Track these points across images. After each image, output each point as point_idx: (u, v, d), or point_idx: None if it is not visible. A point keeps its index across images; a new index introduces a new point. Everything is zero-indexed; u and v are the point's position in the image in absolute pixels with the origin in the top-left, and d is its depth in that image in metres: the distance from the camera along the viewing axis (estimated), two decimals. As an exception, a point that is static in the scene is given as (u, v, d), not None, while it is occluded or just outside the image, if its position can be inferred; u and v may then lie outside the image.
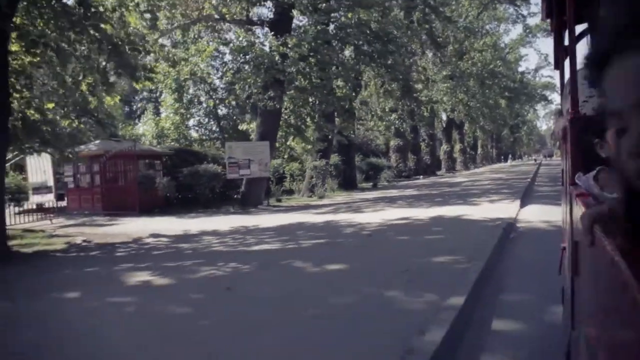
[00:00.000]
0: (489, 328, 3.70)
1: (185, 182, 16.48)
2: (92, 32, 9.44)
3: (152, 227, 11.86)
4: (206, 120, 26.92)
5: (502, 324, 3.75)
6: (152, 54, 12.26)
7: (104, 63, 10.35)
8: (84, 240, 10.33)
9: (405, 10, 25.17)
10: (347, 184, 22.47)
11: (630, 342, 0.52)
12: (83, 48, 10.10)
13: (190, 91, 23.31)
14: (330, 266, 5.80)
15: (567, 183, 2.21)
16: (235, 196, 17.48)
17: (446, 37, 33.64)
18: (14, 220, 12.89)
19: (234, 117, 26.90)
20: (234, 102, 23.01)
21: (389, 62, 18.97)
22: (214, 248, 8.07)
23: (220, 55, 20.32)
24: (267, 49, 15.81)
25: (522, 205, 11.65)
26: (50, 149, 10.43)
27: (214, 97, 21.73)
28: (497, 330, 3.64)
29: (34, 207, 14.74)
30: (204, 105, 25.32)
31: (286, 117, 16.96)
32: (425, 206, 12.50)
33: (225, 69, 17.06)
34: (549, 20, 2.91)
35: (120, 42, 9.90)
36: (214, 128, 27.48)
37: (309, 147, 18.39)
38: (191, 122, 26.92)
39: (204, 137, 27.24)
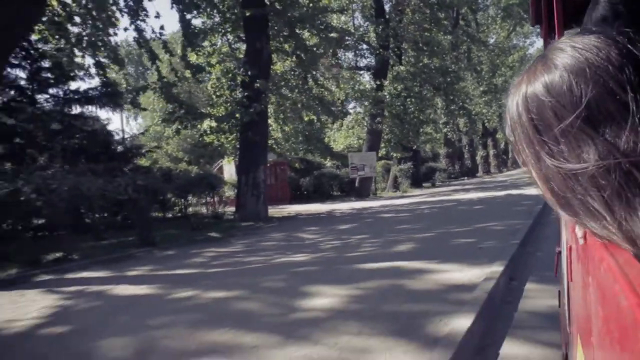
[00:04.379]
0: (550, 218, 11.93)
1: (315, 181, 24.80)
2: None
3: (320, 208, 20.03)
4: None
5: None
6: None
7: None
8: (297, 213, 18.62)
9: (453, 44, 33.42)
10: (415, 182, 30.64)
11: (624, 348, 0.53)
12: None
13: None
14: (475, 207, 14.04)
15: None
16: (332, 192, 25.92)
17: (480, 57, 41.79)
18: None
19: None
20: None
21: (445, 87, 27.27)
22: (399, 209, 16.25)
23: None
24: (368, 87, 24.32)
25: (555, 189, 19.70)
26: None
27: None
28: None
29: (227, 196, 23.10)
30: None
31: (384, 134, 25.31)
32: (493, 191, 20.67)
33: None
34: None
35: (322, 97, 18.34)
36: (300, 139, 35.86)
37: (397, 155, 26.76)
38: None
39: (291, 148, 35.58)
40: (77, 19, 13.04)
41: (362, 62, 28.31)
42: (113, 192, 11.59)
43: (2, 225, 11.21)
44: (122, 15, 13.69)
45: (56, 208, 10.18)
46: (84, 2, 12.21)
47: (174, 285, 6.50)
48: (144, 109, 17.91)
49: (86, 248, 11.09)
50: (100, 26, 12.51)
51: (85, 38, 13.44)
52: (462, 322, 3.74)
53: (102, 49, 12.81)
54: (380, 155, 29.13)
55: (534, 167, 0.62)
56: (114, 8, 13.04)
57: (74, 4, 12.28)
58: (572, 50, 0.56)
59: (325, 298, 4.96)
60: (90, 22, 13.13)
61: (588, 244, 0.89)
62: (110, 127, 19.57)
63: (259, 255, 8.93)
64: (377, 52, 24.28)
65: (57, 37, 12.31)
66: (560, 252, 2.14)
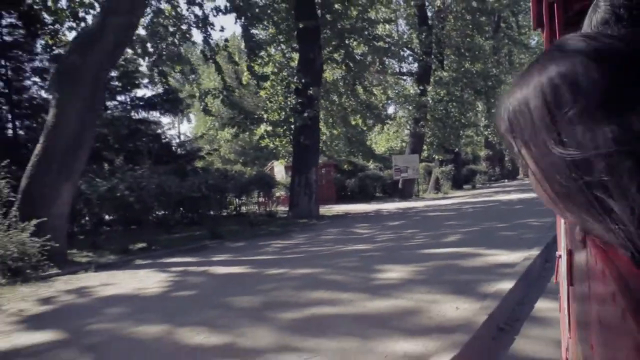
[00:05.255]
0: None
1: (360, 183, 26.16)
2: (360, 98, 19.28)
3: (366, 207, 21.34)
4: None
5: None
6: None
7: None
8: (345, 212, 19.98)
9: (494, 48, 34.26)
10: (456, 184, 31.64)
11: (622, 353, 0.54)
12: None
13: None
14: (515, 207, 15.13)
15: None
16: (375, 193, 27.17)
17: (522, 59, 42.33)
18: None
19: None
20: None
21: (486, 90, 28.25)
22: (443, 209, 17.44)
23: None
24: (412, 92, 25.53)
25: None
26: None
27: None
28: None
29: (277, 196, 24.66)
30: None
31: (427, 137, 26.47)
32: (533, 193, 21.34)
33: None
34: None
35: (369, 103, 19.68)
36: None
37: (440, 157, 27.90)
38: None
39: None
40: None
41: (405, 68, 29.55)
42: (188, 190, 13.20)
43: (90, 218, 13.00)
44: (191, 29, 15.37)
45: (145, 203, 11.83)
46: (163, 20, 13.87)
47: (262, 266, 7.95)
48: (214, 115, 19.55)
49: (162, 240, 12.70)
50: (176, 41, 14.15)
51: (154, 51, 15.16)
52: (505, 285, 5.04)
53: (180, 62, 14.46)
54: (422, 157, 30.35)
55: (539, 161, 0.58)
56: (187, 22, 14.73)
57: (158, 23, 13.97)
58: (582, 38, 0.56)
59: (395, 272, 6.31)
60: (162, 37, 14.84)
61: (588, 247, 0.87)
62: (166, 131, 21.44)
63: (323, 245, 10.31)
64: (420, 58, 25.48)
65: (140, 52, 13.97)
66: (560, 257, 2.10)
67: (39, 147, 10.40)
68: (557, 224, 2.62)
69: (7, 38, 16.85)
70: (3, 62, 16.66)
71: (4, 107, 16.55)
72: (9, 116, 16.97)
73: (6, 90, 16.80)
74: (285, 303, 5.17)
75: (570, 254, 1.53)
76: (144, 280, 7.64)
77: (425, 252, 7.81)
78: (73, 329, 4.89)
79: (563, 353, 2.01)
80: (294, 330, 4.23)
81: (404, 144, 28.99)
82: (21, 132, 17.24)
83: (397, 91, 25.98)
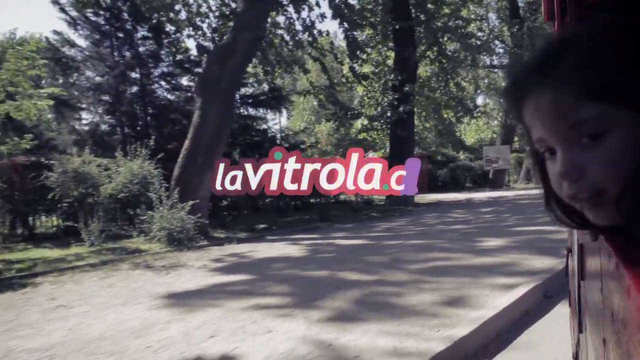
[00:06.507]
0: None
1: (451, 173, 27.53)
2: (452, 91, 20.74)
3: (457, 196, 22.68)
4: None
5: None
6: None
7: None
8: (438, 200, 21.51)
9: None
10: (547, 175, 32.10)
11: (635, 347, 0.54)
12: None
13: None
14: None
15: None
16: (465, 184, 28.34)
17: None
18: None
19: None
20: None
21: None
22: (534, 197, 18.55)
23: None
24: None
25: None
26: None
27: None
28: None
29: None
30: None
31: (518, 129, 27.35)
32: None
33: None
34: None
35: (461, 97, 21.06)
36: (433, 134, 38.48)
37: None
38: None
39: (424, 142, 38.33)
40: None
41: (496, 61, 30.41)
42: (302, 179, 15.36)
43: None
44: (303, 34, 17.60)
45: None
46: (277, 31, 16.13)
47: (379, 240, 9.85)
48: (328, 109, 21.59)
49: (278, 222, 14.87)
50: (291, 49, 16.38)
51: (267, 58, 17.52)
52: (582, 249, 6.62)
53: (295, 65, 16.71)
54: (513, 148, 31.10)
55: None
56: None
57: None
58: None
59: (492, 242, 8.01)
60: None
61: (600, 240, 0.88)
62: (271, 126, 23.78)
63: (425, 226, 12.06)
64: (512, 50, 26.33)
65: (261, 61, 16.32)
66: (570, 251, 2.10)
67: (187, 143, 12.84)
68: None
69: (141, 49, 19.74)
70: (138, 70, 19.56)
71: (140, 108, 19.46)
72: (143, 115, 19.90)
73: (140, 94, 19.69)
74: (409, 260, 7.04)
75: (581, 247, 1.51)
76: (284, 249, 9.73)
77: (518, 229, 9.42)
78: (258, 273, 7.00)
79: (572, 347, 2.00)
80: (421, 273, 6.09)
81: (494, 135, 29.96)
82: (150, 130, 20.13)
83: (487, 83, 26.99)
